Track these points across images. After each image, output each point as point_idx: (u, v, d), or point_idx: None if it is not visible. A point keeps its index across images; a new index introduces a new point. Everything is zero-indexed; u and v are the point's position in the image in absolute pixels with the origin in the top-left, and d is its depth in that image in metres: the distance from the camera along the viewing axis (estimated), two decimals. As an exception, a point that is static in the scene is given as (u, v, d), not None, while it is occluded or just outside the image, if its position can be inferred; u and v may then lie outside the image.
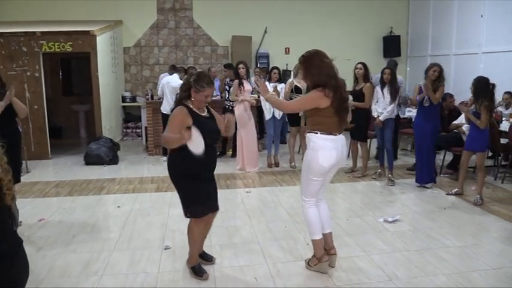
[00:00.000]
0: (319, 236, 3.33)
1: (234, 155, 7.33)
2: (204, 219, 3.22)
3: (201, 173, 3.14)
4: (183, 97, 3.12)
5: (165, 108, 7.24)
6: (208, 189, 3.22)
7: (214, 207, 3.29)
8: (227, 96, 7.14)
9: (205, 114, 3.16)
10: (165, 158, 7.37)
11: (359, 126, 6.26)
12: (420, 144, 5.62)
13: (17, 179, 4.44)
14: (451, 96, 6.82)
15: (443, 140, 6.12)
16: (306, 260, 3.50)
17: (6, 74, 7.16)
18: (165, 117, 7.30)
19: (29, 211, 4.86)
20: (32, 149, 7.41)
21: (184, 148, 2.91)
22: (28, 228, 4.34)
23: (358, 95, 6.10)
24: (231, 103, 6.95)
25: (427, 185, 5.64)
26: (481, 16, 8.21)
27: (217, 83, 8.60)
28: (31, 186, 5.87)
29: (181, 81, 7.30)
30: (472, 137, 5.14)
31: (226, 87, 7.23)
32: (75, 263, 3.55)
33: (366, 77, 6.14)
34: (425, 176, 5.66)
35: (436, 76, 5.33)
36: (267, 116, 6.77)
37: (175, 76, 7.37)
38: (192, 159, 2.93)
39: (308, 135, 3.23)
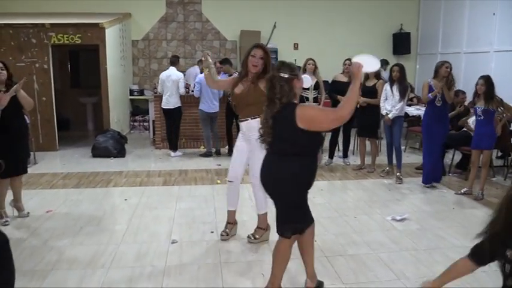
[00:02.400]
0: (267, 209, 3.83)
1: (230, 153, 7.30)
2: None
3: (313, 182, 2.80)
4: (292, 96, 2.68)
5: (168, 103, 7.13)
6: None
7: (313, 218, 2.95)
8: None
9: None
10: (173, 154, 7.34)
11: (369, 122, 6.21)
12: (429, 144, 5.54)
13: (24, 170, 4.46)
14: (463, 92, 6.74)
15: (452, 138, 6.06)
16: (249, 236, 3.86)
17: (15, 65, 7.19)
18: (167, 113, 7.22)
19: (36, 202, 4.88)
20: (39, 140, 7.44)
21: (311, 153, 2.70)
22: (35, 220, 4.36)
23: (371, 92, 6.07)
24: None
25: (433, 184, 5.57)
26: (493, 14, 8.09)
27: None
28: (38, 178, 5.89)
29: (180, 73, 7.21)
30: (480, 134, 5.10)
31: None
32: (82, 255, 3.56)
33: (377, 73, 6.12)
34: (430, 176, 5.59)
35: (448, 73, 5.26)
36: None
37: (173, 69, 7.23)
38: (313, 166, 2.72)
39: (256, 120, 3.31)
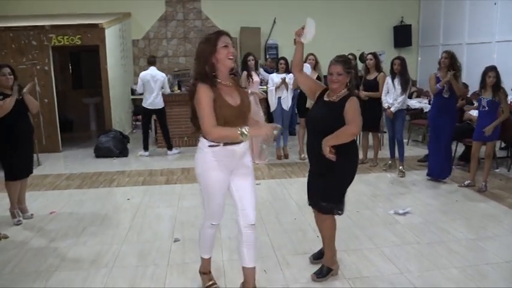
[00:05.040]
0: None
1: None
2: None
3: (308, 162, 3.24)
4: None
5: (155, 103, 7.10)
6: None
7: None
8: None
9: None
10: (170, 152, 7.34)
11: (371, 116, 6.19)
12: (435, 136, 5.47)
13: (29, 171, 4.48)
14: (466, 86, 6.69)
15: (455, 130, 6.01)
16: None
17: (16, 68, 7.19)
18: (150, 113, 7.25)
19: (40, 203, 4.91)
20: (43, 142, 7.47)
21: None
22: (40, 221, 4.39)
23: (372, 85, 6.04)
24: None
25: (443, 180, 5.49)
26: (495, 4, 8.03)
27: None
28: (42, 179, 5.92)
29: (163, 73, 7.25)
30: (483, 126, 5.05)
31: None
32: (85, 255, 3.58)
33: (377, 66, 6.09)
34: (438, 170, 5.47)
35: (446, 63, 5.18)
36: (272, 107, 6.73)
37: (154, 69, 7.20)
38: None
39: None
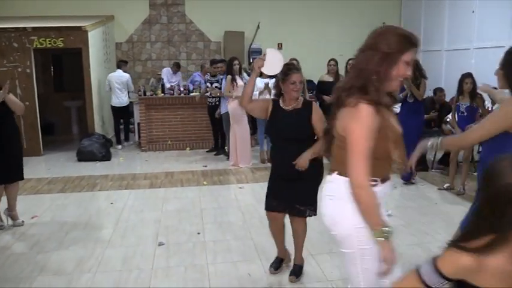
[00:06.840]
0: None
1: (218, 153, 7.47)
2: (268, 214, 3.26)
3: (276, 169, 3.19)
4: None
5: (122, 101, 8.09)
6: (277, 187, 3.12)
7: (268, 207, 3.22)
8: (210, 93, 7.20)
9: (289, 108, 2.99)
10: (124, 144, 8.16)
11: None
12: (404, 140, 5.61)
13: (19, 177, 4.36)
14: (441, 90, 6.87)
15: (434, 135, 6.15)
16: None
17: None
18: (119, 110, 8.16)
19: (22, 208, 4.80)
20: (24, 145, 7.32)
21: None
22: (21, 226, 4.33)
23: None
24: (214, 99, 7.11)
25: (412, 181, 5.60)
26: (473, 12, 8.25)
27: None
28: (23, 183, 5.74)
29: (128, 74, 8.17)
30: (461, 131, 5.20)
31: (208, 84, 7.29)
32: (68, 260, 3.55)
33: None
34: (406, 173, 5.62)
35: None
36: None
37: (121, 71, 8.16)
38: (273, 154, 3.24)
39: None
